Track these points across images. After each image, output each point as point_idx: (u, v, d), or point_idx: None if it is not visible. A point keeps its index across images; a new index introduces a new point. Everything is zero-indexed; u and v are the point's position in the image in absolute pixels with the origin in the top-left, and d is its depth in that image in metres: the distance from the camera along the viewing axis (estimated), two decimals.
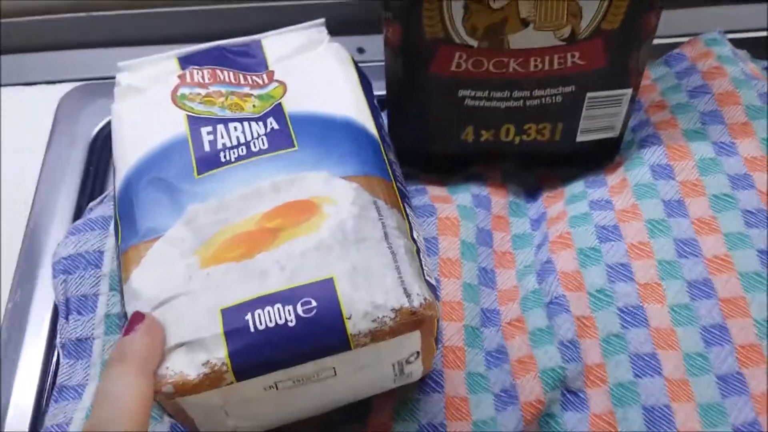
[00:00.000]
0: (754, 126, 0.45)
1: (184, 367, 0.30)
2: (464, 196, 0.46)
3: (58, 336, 0.42)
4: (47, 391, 0.42)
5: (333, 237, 0.32)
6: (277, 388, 0.31)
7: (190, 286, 0.31)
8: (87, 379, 0.41)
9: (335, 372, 0.32)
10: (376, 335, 0.30)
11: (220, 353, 0.30)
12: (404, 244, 0.33)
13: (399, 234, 0.33)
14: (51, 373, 0.43)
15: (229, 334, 0.30)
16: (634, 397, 0.37)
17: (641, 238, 0.41)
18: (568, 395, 0.38)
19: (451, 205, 0.45)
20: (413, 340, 0.32)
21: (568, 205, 0.45)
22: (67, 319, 0.43)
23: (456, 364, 0.39)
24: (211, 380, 0.30)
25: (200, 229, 0.33)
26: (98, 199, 0.48)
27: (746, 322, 0.38)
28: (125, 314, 0.32)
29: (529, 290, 0.42)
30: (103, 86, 0.56)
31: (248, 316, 0.30)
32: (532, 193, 0.48)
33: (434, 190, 0.47)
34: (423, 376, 0.37)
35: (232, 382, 0.30)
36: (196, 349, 0.30)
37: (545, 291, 0.41)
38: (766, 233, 0.41)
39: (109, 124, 0.48)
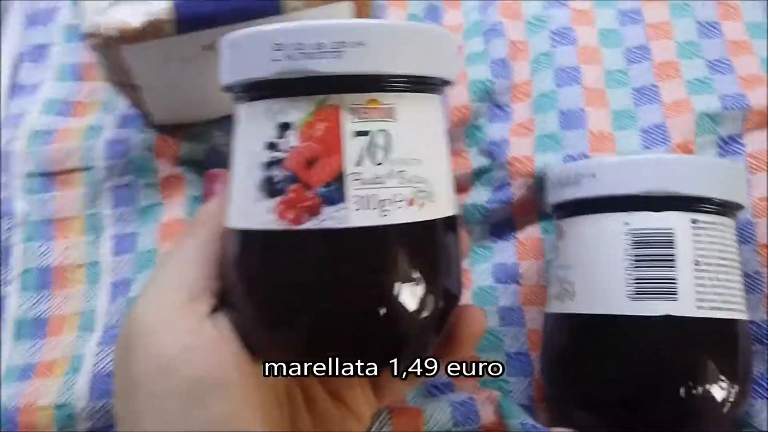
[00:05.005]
0: None
1: (126, 16, 0.32)
2: None
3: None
4: None
5: None
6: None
7: None
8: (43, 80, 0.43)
9: None
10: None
11: (163, 4, 0.32)
12: None
13: None
14: None
15: None
16: (553, 102, 0.39)
17: None
18: (494, 109, 0.41)
19: None
20: (345, 13, 0.35)
21: None
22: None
23: None
24: (155, 28, 0.32)
25: None
26: None
27: (668, 43, 0.40)
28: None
29: (471, 22, 0.44)
30: None
31: None
32: None
33: None
34: None
35: (172, 34, 0.33)
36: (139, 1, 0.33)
37: (485, 21, 0.43)
38: None
39: None
